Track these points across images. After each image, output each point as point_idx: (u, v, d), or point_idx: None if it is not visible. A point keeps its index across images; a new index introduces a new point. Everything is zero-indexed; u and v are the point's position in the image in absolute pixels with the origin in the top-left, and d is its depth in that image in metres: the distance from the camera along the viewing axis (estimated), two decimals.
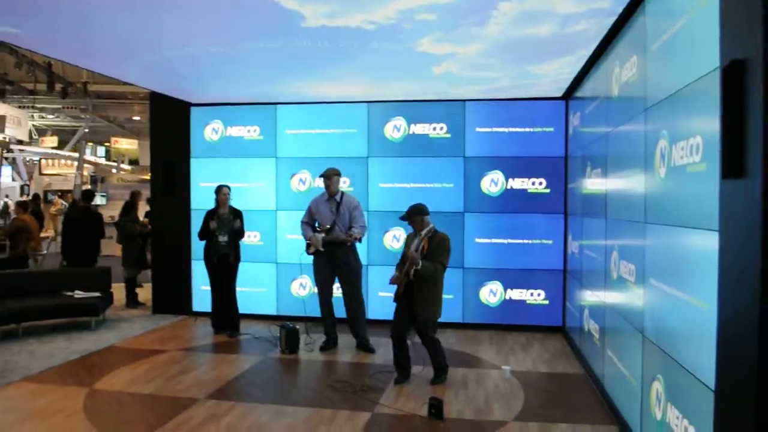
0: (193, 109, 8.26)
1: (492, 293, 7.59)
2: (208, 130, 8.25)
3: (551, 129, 7.41)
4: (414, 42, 4.97)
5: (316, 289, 6.77)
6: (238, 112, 8.15)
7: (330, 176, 6.50)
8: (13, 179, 25.67)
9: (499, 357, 6.30)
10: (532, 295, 7.52)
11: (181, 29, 4.87)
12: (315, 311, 6.78)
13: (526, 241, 7.50)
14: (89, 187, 24.30)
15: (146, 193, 10.24)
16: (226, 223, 6.96)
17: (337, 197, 6.51)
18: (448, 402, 4.79)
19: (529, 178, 7.47)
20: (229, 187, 7.12)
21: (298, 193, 7.95)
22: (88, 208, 9.23)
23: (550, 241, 7.45)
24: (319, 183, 7.03)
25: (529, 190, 7.47)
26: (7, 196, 18.20)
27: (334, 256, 6.44)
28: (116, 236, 9.53)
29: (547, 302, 7.48)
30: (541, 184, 7.45)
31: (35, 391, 5.14)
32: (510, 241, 7.54)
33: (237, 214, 7.07)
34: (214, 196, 7.08)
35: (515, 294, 7.56)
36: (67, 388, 5.17)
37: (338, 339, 6.66)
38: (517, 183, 7.49)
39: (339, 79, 6.57)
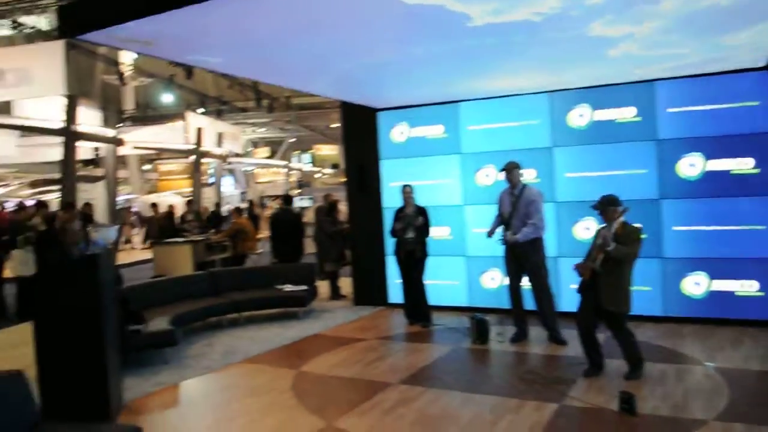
0: (379, 114, 8.74)
1: (696, 284, 7.05)
2: (395, 132, 8.67)
3: (756, 102, 6.70)
4: (585, 27, 4.84)
5: (507, 281, 6.85)
6: (421, 113, 8.47)
7: (509, 170, 6.53)
8: (234, 187, 28.71)
9: (703, 353, 5.86)
10: (742, 286, 6.86)
11: (359, 42, 5.26)
12: (506, 303, 6.84)
13: (732, 227, 6.87)
14: (296, 191, 26.51)
15: (337, 195, 11.05)
16: (410, 221, 7.30)
17: (517, 190, 6.52)
18: (643, 398, 4.59)
19: (733, 158, 6.81)
20: (411, 186, 7.46)
21: (484, 188, 8.05)
22: (288, 210, 10.15)
23: (761, 227, 6.75)
24: (503, 176, 7.07)
25: (732, 172, 6.83)
26: (227, 203, 20.51)
27: (515, 251, 6.47)
28: (313, 235, 10.34)
29: (762, 294, 6.78)
30: (747, 164, 6.77)
31: (253, 370, 5.88)
32: (714, 227, 6.95)
33: (421, 211, 7.37)
34: (401, 195, 7.47)
35: (722, 285, 6.94)
36: (279, 370, 5.83)
37: (529, 331, 6.65)
38: (718, 164, 6.88)
39: (514, 73, 6.58)
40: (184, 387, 5.51)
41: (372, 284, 8.84)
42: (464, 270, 8.24)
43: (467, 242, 8.21)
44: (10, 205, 18.65)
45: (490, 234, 6.67)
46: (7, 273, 8.67)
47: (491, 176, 7.99)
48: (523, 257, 6.44)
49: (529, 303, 6.61)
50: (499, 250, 6.73)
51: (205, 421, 4.73)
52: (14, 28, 16.12)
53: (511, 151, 7.58)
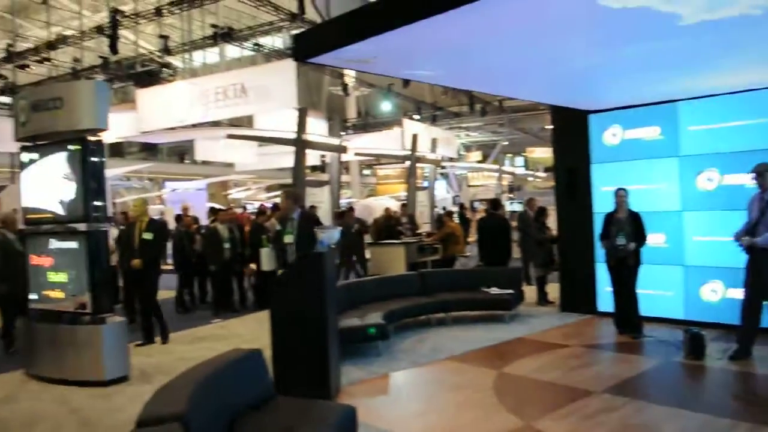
0: (591, 117, 8.54)
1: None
2: (608, 135, 8.42)
3: None
4: None
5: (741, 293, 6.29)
6: (636, 115, 8.11)
7: (761, 172, 5.94)
8: (447, 191, 29.45)
9: None
10: None
11: (568, 48, 5.28)
12: (728, 318, 6.34)
13: None
14: (507, 195, 26.44)
15: (540, 200, 10.94)
16: (622, 226, 7.06)
17: (767, 195, 5.97)
18: None
19: None
20: (625, 190, 7.19)
21: (706, 193, 7.50)
22: (496, 215, 10.28)
23: None
24: (730, 180, 6.55)
25: None
26: (444, 208, 21.14)
27: (757, 260, 5.93)
28: (518, 240, 10.33)
29: None
30: None
31: (457, 368, 6.17)
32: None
33: (635, 217, 7.09)
34: (613, 199, 7.26)
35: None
36: (481, 369, 6.05)
37: (753, 350, 6.08)
38: None
39: (740, 68, 6.07)
40: (393, 377, 5.98)
41: (580, 291, 8.67)
42: (681, 280, 7.73)
43: (685, 250, 7.69)
44: (251, 208, 21.25)
45: (737, 239, 6.14)
46: (252, 268, 9.96)
47: (715, 180, 7.41)
48: (759, 269, 5.89)
49: (765, 320, 6.06)
50: (732, 260, 6.26)
51: (411, 410, 5.11)
52: (255, 49, 18.36)
53: (740, 152, 6.97)
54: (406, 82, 19.37)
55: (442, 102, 24.94)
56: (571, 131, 8.82)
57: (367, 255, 13.32)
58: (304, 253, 5.92)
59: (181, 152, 33.44)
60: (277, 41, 20.83)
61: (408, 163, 19.49)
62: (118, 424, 4.85)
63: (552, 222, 9.85)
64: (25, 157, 6.42)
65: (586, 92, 7.46)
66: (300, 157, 14.27)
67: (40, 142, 6.37)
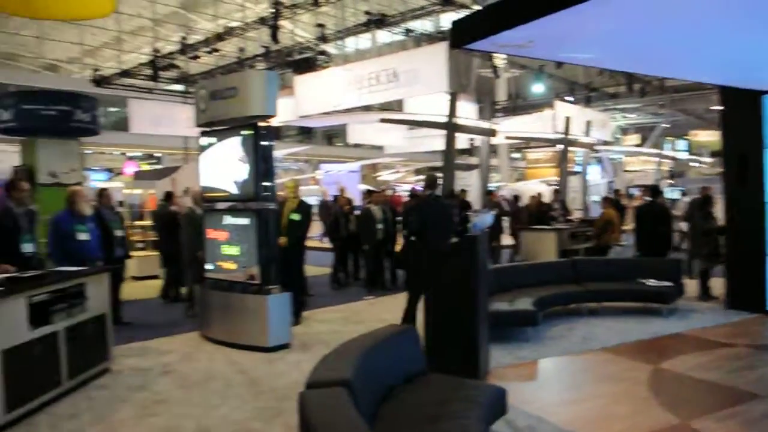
0: (765, 97, 7.83)
1: None
2: None
3: None
4: None
5: None
6: None
7: None
8: (601, 177, 28.21)
9: None
10: None
11: (737, 26, 4.89)
12: None
13: None
14: (667, 181, 24.86)
15: (712, 187, 10.19)
16: None
17: None
18: None
19: None
20: None
21: None
22: (655, 202, 9.73)
23: None
24: None
25: None
26: (593, 194, 20.31)
27: None
28: (686, 230, 9.72)
29: None
30: None
31: (609, 359, 6.02)
32: None
33: None
34: None
35: None
36: (635, 363, 5.85)
37: None
38: None
39: None
40: (542, 364, 5.96)
41: (749, 287, 8.03)
42: None
43: None
44: (399, 190, 21.72)
45: None
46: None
47: None
48: None
49: None
50: None
51: (561, 397, 5.09)
52: (406, 33, 18.63)
53: None
54: (559, 63, 18.73)
55: (598, 82, 23.82)
56: (741, 113, 8.14)
57: (507, 240, 13.22)
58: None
59: (331, 135, 34.87)
60: (426, 25, 20.99)
61: (560, 146, 18.92)
62: (280, 386, 5.31)
63: (719, 211, 9.19)
64: (204, 141, 7.09)
65: (760, 71, 6.83)
66: (450, 140, 14.37)
67: (217, 127, 7.00)
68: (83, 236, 6.45)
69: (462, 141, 19.05)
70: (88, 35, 31.72)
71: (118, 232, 7.87)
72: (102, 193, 8.14)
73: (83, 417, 4.72)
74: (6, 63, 31.02)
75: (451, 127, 14.32)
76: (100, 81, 20.00)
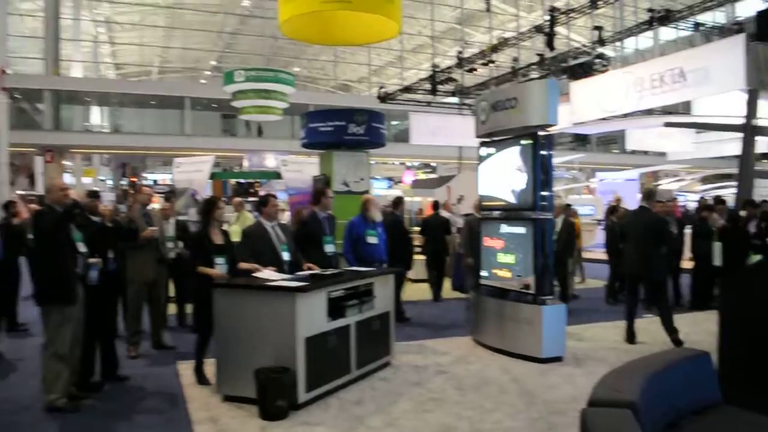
0: None
1: None
2: None
3: None
4: None
5: None
6: None
7: None
8: None
9: None
10: None
11: None
12: None
13: None
14: None
15: None
16: None
17: None
18: None
19: None
20: None
21: None
22: None
23: None
24: None
25: None
26: None
27: None
28: None
29: None
30: None
31: None
32: None
33: None
34: None
35: None
36: None
37: None
38: None
39: None
40: None
41: None
42: None
43: None
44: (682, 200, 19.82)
45: None
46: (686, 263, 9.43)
47: None
48: None
49: None
50: None
51: None
52: (694, 28, 16.89)
53: None
54: None
55: None
56: None
57: None
58: None
59: (608, 142, 33.25)
60: (718, 17, 18.84)
61: None
62: (553, 399, 5.21)
63: None
64: (484, 151, 7.28)
65: None
66: (748, 144, 12.78)
67: (497, 137, 7.15)
68: (373, 240, 7.09)
69: (762, 144, 16.80)
70: (375, 56, 34.86)
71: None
72: (398, 201, 8.92)
73: (367, 405, 5.13)
74: (306, 85, 35.49)
75: (749, 130, 12.71)
76: (384, 97, 21.72)
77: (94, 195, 5.86)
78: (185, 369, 5.99)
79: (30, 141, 26.34)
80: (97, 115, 32.70)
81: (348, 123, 9.80)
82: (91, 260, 5.09)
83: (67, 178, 26.93)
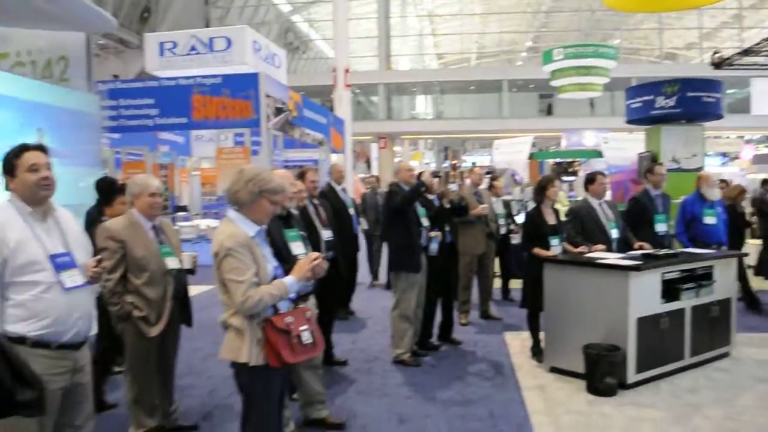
0: None
1: None
2: None
3: None
4: None
5: None
6: None
7: None
8: None
9: None
10: None
11: None
12: None
13: None
14: None
15: None
16: None
17: None
18: None
19: None
20: None
21: None
22: None
23: None
24: None
25: None
26: None
27: None
28: None
29: None
30: None
31: None
32: None
33: None
34: None
35: None
36: None
37: None
38: None
39: None
40: None
41: None
42: None
43: None
44: None
45: None
46: None
47: None
48: None
49: None
50: None
51: None
52: None
53: None
54: None
55: None
56: None
57: None
58: None
59: None
60: None
61: None
62: None
63: None
64: None
65: None
66: None
67: None
68: (710, 220, 6.54)
69: None
70: (707, 18, 31.29)
71: None
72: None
73: (702, 393, 4.80)
74: (626, 58, 33.37)
75: None
76: (719, 63, 19.41)
77: (435, 176, 6.46)
78: (512, 339, 6.32)
79: (367, 130, 29.71)
80: (422, 104, 35.54)
81: (673, 95, 9.08)
82: (432, 233, 5.66)
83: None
